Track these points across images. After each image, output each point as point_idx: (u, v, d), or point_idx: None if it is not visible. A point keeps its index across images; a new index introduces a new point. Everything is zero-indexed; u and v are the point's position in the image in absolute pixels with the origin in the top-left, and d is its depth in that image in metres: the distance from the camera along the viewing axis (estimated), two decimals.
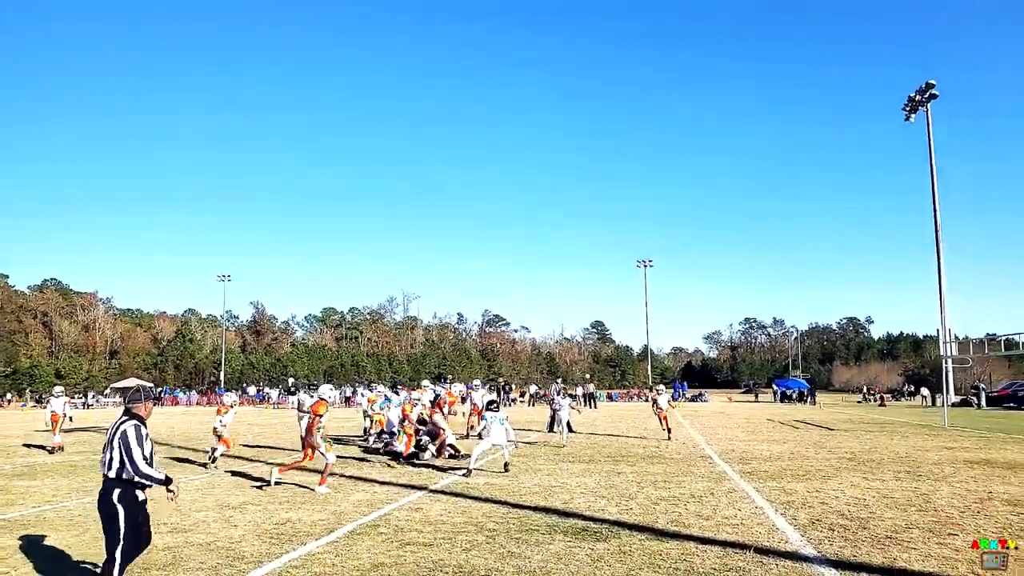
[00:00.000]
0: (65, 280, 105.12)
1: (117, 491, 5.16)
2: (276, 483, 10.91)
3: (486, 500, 9.75)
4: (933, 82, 51.72)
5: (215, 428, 14.36)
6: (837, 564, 6.30)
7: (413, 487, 11.03)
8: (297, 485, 11.09)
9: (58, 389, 19.69)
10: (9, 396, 60.74)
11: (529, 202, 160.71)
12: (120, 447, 5.16)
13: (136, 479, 5.21)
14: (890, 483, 11.13)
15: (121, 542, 5.11)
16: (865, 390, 66.89)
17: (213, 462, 13.92)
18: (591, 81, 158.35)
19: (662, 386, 23.57)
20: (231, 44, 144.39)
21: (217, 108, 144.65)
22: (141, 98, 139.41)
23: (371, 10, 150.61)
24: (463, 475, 12.21)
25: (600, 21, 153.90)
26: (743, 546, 6.93)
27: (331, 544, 7.20)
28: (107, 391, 73.62)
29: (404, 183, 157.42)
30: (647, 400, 19.37)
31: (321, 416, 10.96)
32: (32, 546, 7.24)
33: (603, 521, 8.25)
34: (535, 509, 9.06)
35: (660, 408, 20.14)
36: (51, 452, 16.99)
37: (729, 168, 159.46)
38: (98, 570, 5.35)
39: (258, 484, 11.33)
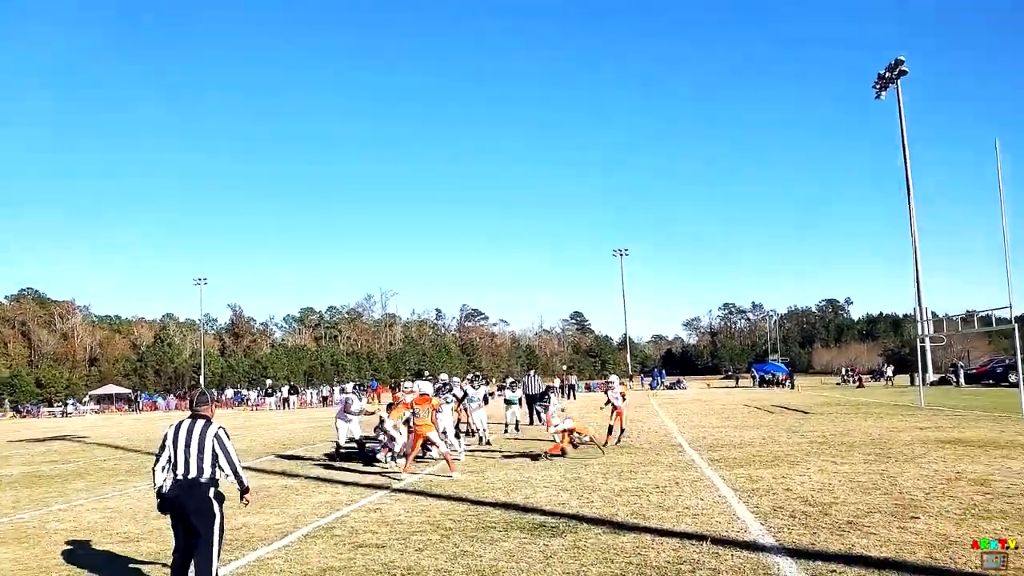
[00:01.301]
0: (42, 289, 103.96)
1: (213, 490, 5.31)
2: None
3: (447, 498, 9.57)
4: (903, 58, 52.26)
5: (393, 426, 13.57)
6: (794, 553, 6.17)
7: (375, 487, 10.84)
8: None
9: None
10: None
11: (503, 194, 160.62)
12: (217, 449, 5.35)
13: (231, 479, 5.44)
14: (858, 466, 11.07)
15: (216, 545, 5.24)
16: (843, 372, 67.34)
17: (393, 459, 13.33)
18: (556, 69, 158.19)
19: (614, 376, 17.95)
20: (216, 40, 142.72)
21: (192, 109, 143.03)
22: (114, 99, 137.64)
23: (350, 6, 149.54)
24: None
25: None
26: (700, 537, 6.80)
27: (283, 549, 7.03)
28: (86, 399, 72.67)
29: (378, 179, 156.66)
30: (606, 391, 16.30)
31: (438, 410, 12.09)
32: None
33: (562, 516, 8.10)
34: (495, 505, 8.90)
35: (610, 402, 15.79)
36: None
37: (701, 153, 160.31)
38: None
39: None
